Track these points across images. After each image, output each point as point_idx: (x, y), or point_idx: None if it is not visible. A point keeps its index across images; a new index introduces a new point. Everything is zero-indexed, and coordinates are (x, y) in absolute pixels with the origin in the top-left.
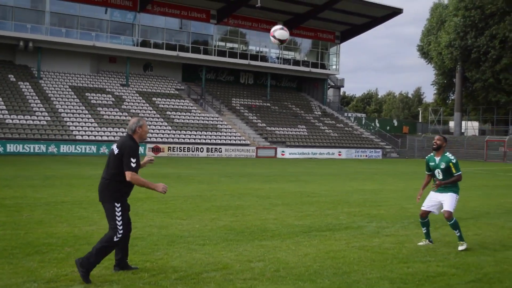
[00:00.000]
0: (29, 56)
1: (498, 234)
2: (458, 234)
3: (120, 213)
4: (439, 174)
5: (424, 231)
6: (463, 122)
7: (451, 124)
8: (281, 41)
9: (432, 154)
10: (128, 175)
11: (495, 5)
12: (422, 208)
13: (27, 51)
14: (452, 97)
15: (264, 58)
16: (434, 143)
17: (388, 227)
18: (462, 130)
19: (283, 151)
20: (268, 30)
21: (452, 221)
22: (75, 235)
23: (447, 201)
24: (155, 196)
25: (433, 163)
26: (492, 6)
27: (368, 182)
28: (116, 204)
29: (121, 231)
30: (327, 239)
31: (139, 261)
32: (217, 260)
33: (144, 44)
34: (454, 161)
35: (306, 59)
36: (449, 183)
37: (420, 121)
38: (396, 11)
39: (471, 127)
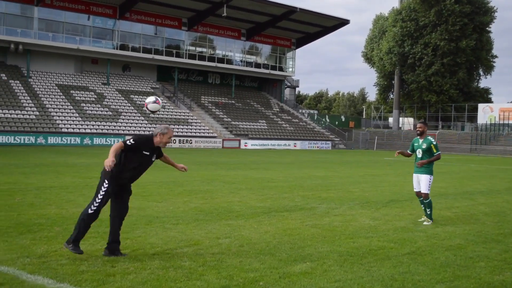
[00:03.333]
0: (19, 57)
1: None
2: (429, 212)
3: (104, 190)
4: (419, 153)
5: (423, 207)
6: (401, 118)
7: (390, 120)
8: (153, 112)
9: (417, 137)
10: (118, 144)
11: (427, 18)
12: (415, 190)
13: (18, 53)
14: (391, 97)
15: (229, 61)
16: (418, 130)
17: (337, 208)
18: (400, 125)
19: (246, 143)
20: (233, 37)
21: (427, 200)
22: (63, 216)
23: (422, 183)
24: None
25: (417, 144)
26: (425, 19)
27: (320, 169)
28: (105, 181)
29: (96, 205)
30: (284, 218)
31: (120, 239)
32: (189, 237)
33: (123, 47)
34: (434, 143)
35: (266, 62)
36: (432, 161)
37: (364, 117)
38: (344, 22)
39: (407, 122)
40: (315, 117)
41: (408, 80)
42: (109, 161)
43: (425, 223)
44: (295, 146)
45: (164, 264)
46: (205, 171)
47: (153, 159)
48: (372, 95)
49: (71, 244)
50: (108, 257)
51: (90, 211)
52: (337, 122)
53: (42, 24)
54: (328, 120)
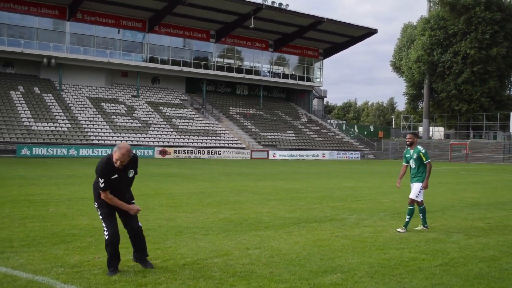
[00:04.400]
0: (51, 71)
1: (462, 224)
2: (408, 219)
3: (102, 218)
4: (412, 164)
5: (421, 216)
6: (431, 128)
7: (420, 129)
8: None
9: (408, 148)
10: (102, 194)
11: (456, 26)
12: (410, 197)
13: (50, 67)
14: (421, 106)
15: (257, 72)
16: (407, 141)
17: (367, 219)
18: (430, 135)
19: (274, 153)
20: (261, 48)
21: (412, 207)
22: (94, 226)
23: (412, 189)
24: (163, 192)
25: (408, 155)
26: (454, 27)
27: (349, 180)
28: (97, 210)
29: (106, 232)
30: (314, 229)
31: (151, 249)
32: (219, 247)
33: (152, 60)
34: (423, 151)
35: (293, 73)
36: (428, 176)
37: (393, 126)
38: (371, 31)
39: (438, 132)
40: (344, 127)
41: (437, 89)
42: (134, 208)
43: (399, 230)
44: (323, 156)
45: (194, 274)
46: (234, 182)
47: (130, 175)
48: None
49: (108, 270)
50: (140, 268)
51: (106, 239)
52: (366, 132)
53: (73, 38)
54: (356, 130)
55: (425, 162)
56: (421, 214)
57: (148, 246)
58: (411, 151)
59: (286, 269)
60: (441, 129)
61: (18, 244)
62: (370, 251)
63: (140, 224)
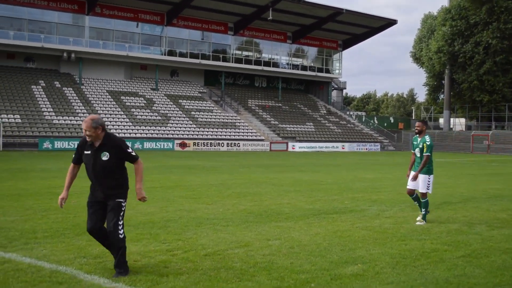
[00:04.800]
0: (71, 65)
1: (484, 216)
2: (424, 212)
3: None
4: (418, 153)
5: (416, 204)
6: (452, 119)
7: (441, 120)
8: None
9: (416, 136)
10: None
11: (478, 16)
12: (408, 187)
13: (70, 61)
14: (442, 97)
15: (275, 64)
16: (416, 128)
17: (388, 210)
18: (451, 126)
19: (293, 145)
20: (279, 40)
21: (424, 200)
22: None
23: (420, 183)
24: (183, 184)
25: (415, 143)
26: (476, 17)
27: (369, 171)
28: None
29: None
30: (334, 220)
31: (172, 240)
32: (240, 238)
33: (171, 53)
34: (428, 142)
35: (312, 64)
36: (422, 168)
37: (413, 118)
38: (391, 22)
39: (459, 123)
40: (363, 118)
41: (458, 80)
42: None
43: (418, 223)
44: (343, 148)
45: (215, 265)
46: (253, 173)
47: (104, 158)
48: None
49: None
50: (161, 258)
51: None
52: (385, 124)
53: (93, 32)
54: (376, 122)
55: (424, 153)
56: (416, 202)
57: (169, 237)
58: (419, 139)
59: (306, 260)
60: (462, 120)
61: (41, 236)
62: (391, 242)
63: (112, 229)
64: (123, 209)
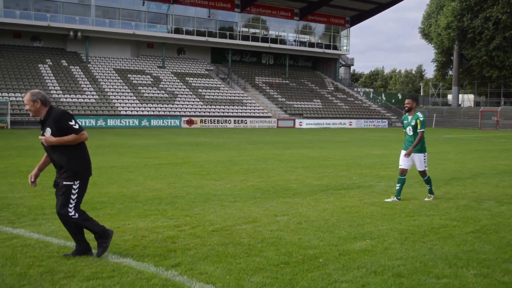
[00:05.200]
0: (78, 44)
1: (493, 191)
2: (429, 187)
3: None
4: (409, 131)
5: (397, 188)
6: (460, 95)
7: (449, 97)
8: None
9: (406, 114)
10: None
11: None
12: (401, 166)
13: (77, 39)
14: (450, 73)
15: (282, 41)
16: (406, 106)
17: (395, 186)
18: (459, 102)
19: (300, 122)
20: (286, 17)
21: (426, 177)
22: (124, 194)
23: (417, 163)
24: (190, 161)
25: (406, 121)
26: None
27: (377, 147)
28: None
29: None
30: (342, 196)
31: (180, 216)
32: (247, 214)
33: (177, 31)
34: (421, 118)
35: (320, 41)
36: (416, 145)
37: (421, 94)
38: None
39: (467, 99)
40: (371, 95)
41: (467, 56)
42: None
43: (426, 199)
44: (350, 124)
45: (223, 240)
46: (261, 150)
47: (47, 133)
48: (430, 72)
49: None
50: (169, 234)
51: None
52: (393, 100)
53: (99, 11)
54: (384, 98)
55: (418, 130)
56: (399, 185)
57: (176, 212)
58: (409, 117)
59: (314, 235)
60: (471, 96)
61: (49, 212)
62: (400, 217)
63: (63, 212)
64: (73, 192)
